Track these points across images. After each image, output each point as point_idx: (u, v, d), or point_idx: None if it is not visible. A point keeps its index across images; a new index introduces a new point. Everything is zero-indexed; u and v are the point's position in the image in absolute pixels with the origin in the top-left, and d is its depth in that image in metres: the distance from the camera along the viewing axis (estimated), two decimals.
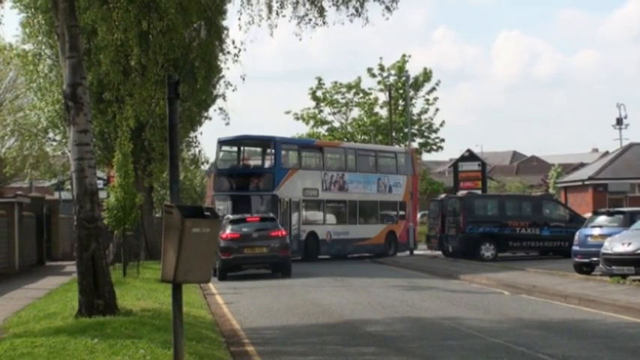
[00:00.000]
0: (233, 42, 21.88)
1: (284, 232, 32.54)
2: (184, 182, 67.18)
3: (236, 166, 42.41)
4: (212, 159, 48.88)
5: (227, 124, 39.22)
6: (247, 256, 31.09)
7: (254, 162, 43.94)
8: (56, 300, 20.95)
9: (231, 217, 33.90)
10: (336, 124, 71.92)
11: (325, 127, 71.33)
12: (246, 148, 43.99)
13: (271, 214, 34.43)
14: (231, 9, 32.79)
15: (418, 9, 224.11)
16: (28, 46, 38.78)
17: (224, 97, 38.75)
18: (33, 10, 35.78)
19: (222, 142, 41.78)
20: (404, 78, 63.34)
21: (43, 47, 37.32)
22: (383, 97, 70.36)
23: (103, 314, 16.16)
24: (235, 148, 42.94)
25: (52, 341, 13.48)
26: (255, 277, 31.30)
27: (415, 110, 68.39)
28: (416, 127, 67.12)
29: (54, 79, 36.53)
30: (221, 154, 42.00)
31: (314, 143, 48.87)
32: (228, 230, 31.31)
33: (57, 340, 13.59)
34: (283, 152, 41.16)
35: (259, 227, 32.08)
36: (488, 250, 37.97)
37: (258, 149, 43.94)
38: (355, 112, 72.29)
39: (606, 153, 73.74)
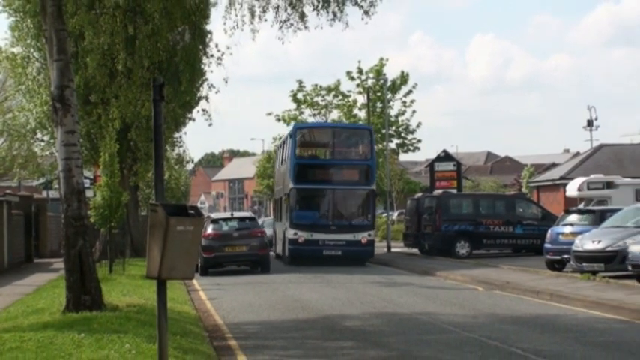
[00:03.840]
0: (216, 45, 22.35)
1: (263, 232, 32.82)
2: (169, 181, 67.40)
3: (325, 156, 38.83)
4: (196, 159, 47.94)
5: (210, 124, 39.27)
6: (228, 254, 31.74)
7: (343, 152, 38.80)
8: (44, 296, 21.12)
9: (212, 216, 34.34)
10: None
11: None
12: (335, 138, 38.78)
13: (251, 214, 34.51)
14: (215, 13, 33.09)
15: (395, 14, 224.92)
16: (17, 49, 38.71)
17: (207, 98, 39.02)
18: (22, 14, 35.77)
19: (299, 129, 38.24)
20: (382, 81, 63.47)
21: (32, 50, 37.30)
22: (361, 99, 70.58)
23: (90, 310, 16.31)
24: (315, 137, 39.43)
25: (40, 336, 13.64)
26: (237, 272, 31.94)
27: (393, 112, 68.62)
28: (393, 128, 67.39)
29: (42, 81, 36.58)
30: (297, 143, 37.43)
31: None
32: (210, 229, 31.88)
33: (45, 334, 13.75)
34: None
35: (240, 227, 32.69)
36: (463, 248, 38.22)
37: (347, 139, 39.51)
38: (335, 114, 72.54)
39: (577, 154, 74.20)
